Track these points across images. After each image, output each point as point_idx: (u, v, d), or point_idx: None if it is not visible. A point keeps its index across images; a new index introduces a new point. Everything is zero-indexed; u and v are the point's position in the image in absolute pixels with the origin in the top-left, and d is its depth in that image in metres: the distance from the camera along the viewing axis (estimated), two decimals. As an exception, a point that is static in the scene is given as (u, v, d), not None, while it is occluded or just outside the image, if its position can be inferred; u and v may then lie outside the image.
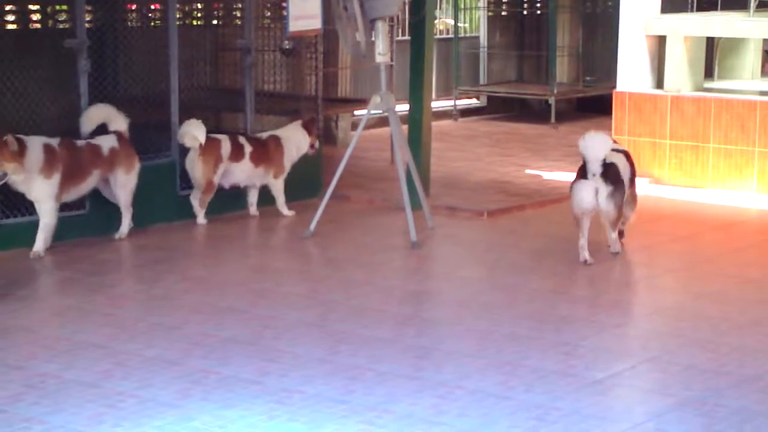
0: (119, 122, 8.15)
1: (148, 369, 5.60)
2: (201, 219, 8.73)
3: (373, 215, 9.25)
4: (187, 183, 8.85)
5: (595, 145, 7.56)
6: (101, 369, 5.59)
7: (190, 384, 5.41)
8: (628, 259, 8.10)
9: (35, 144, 7.57)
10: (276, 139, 9.05)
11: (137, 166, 8.21)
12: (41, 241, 7.67)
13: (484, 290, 7.19)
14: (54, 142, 7.72)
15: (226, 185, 8.88)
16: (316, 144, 9.32)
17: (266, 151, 8.96)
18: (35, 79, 8.25)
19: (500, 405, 5.19)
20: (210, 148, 8.65)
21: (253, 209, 9.07)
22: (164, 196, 8.77)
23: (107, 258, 7.80)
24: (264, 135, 9.14)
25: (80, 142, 7.94)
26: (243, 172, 8.86)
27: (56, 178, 7.65)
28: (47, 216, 7.67)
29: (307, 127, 9.18)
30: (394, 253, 8.07)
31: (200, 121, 8.68)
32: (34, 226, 7.77)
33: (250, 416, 5.04)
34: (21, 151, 7.38)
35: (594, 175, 7.56)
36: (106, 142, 8.06)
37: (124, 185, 8.12)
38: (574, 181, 7.78)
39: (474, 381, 5.48)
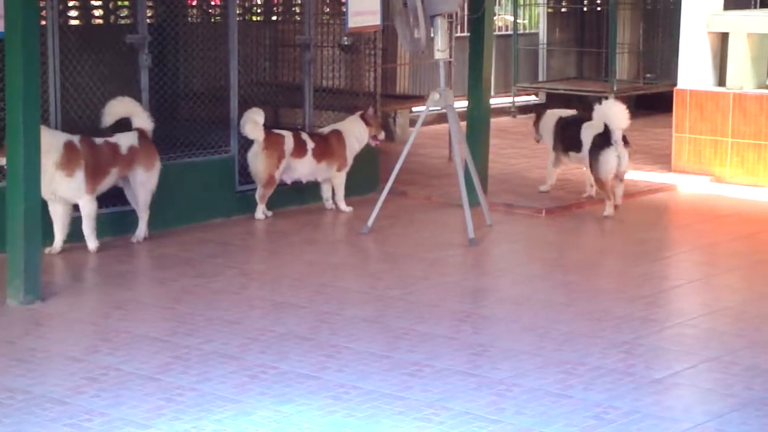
0: (142, 119, 7.99)
1: (207, 363, 5.64)
2: (260, 214, 8.77)
3: (430, 212, 9.24)
4: (245, 178, 8.89)
5: (619, 114, 8.68)
6: (160, 362, 5.64)
7: (248, 378, 5.44)
8: (688, 257, 8.02)
9: (56, 139, 7.50)
10: (337, 133, 9.06)
11: (158, 165, 8.04)
12: (90, 236, 7.68)
13: (542, 288, 7.15)
14: (75, 138, 7.62)
15: (288, 181, 8.91)
16: (381, 135, 9.28)
17: (328, 146, 8.98)
18: (97, 75, 8.33)
19: (558, 403, 5.16)
20: (273, 143, 8.69)
21: (328, 203, 9.11)
22: (223, 192, 8.81)
23: (167, 252, 7.85)
24: (325, 130, 9.16)
25: (98, 140, 7.77)
26: (306, 168, 8.89)
27: (79, 174, 7.57)
28: (87, 208, 7.63)
29: (366, 119, 9.14)
30: (451, 249, 8.05)
31: (260, 109, 8.70)
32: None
33: (307, 411, 5.06)
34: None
35: (616, 141, 8.68)
36: (126, 140, 7.90)
37: (143, 184, 7.97)
38: (598, 148, 8.80)
39: (532, 379, 5.45)
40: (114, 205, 8.13)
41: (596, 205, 9.27)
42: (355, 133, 9.11)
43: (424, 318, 6.42)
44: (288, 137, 8.81)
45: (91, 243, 7.72)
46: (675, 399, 5.35)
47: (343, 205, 9.08)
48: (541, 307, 6.70)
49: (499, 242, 8.38)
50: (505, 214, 9.09)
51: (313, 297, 6.82)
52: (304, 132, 9.10)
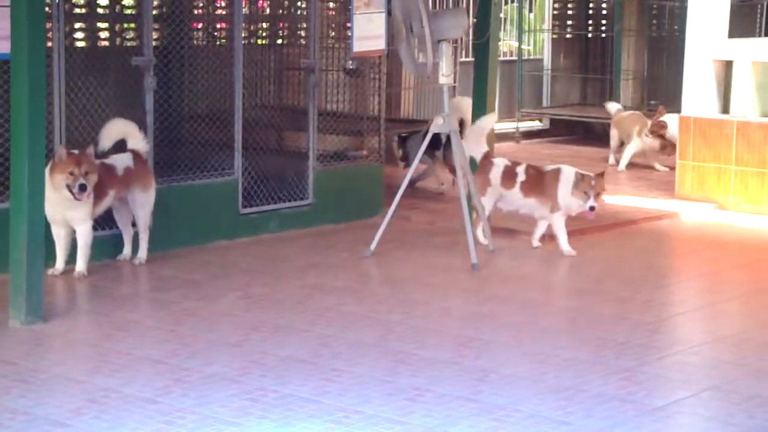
0: (137, 140, 8.01)
1: (208, 386, 5.63)
2: (482, 239, 8.67)
3: (433, 236, 9.24)
4: (248, 201, 8.91)
5: (467, 107, 9.34)
6: (161, 385, 5.63)
7: (249, 402, 5.43)
8: (691, 285, 8.01)
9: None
10: (555, 173, 8.59)
11: (153, 184, 8.06)
12: (83, 260, 7.67)
13: (544, 314, 7.14)
14: None
15: (504, 209, 8.81)
16: (593, 203, 8.39)
17: (539, 183, 8.60)
18: (102, 97, 8.35)
19: (558, 430, 5.15)
20: (481, 168, 8.68)
21: (534, 241, 8.77)
22: (226, 214, 8.83)
23: (169, 274, 7.86)
24: (548, 167, 8.78)
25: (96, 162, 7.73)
26: (514, 200, 8.68)
27: (91, 198, 7.55)
28: (85, 236, 7.61)
29: (574, 181, 8.45)
30: (454, 274, 8.05)
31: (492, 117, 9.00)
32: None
33: (307, 435, 5.05)
34: None
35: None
36: (121, 162, 7.92)
37: (142, 205, 7.98)
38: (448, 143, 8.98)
39: (532, 405, 5.44)
40: (111, 228, 8.15)
41: (598, 233, 9.27)
42: (569, 184, 8.49)
43: (425, 343, 6.42)
44: (497, 166, 8.68)
45: (82, 266, 7.68)
46: (676, 427, 5.34)
47: (565, 247, 8.58)
48: (543, 332, 6.69)
49: (502, 267, 8.38)
50: (508, 239, 9.09)
51: (315, 321, 6.82)
52: (522, 164, 8.86)
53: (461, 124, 9.81)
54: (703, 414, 5.49)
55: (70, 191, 7.38)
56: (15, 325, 6.59)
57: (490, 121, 9.05)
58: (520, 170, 8.70)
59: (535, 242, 8.77)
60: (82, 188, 7.38)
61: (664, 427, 5.28)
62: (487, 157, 8.76)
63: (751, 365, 6.13)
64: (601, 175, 8.49)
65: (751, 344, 6.53)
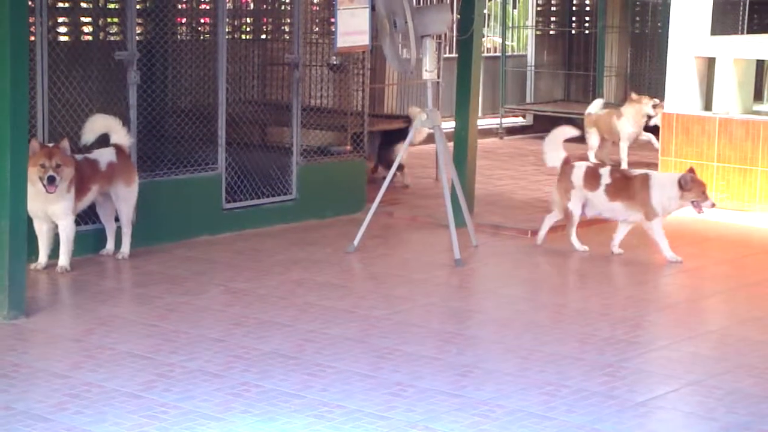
0: (120, 135, 8.00)
1: (190, 381, 5.63)
2: (577, 246, 8.58)
3: (416, 232, 9.25)
4: (231, 196, 8.91)
5: None
6: (144, 380, 5.63)
7: (232, 396, 5.43)
8: (672, 281, 8.04)
9: None
10: (644, 178, 8.45)
11: (136, 179, 8.06)
12: (65, 255, 7.65)
13: (527, 309, 7.16)
14: None
15: (589, 215, 8.67)
16: (707, 203, 8.35)
17: (627, 188, 8.44)
18: (86, 91, 8.33)
19: (541, 425, 5.16)
20: (562, 174, 8.56)
21: (615, 248, 8.55)
22: (209, 209, 8.81)
23: (152, 269, 7.85)
24: (636, 171, 8.68)
25: (78, 157, 7.76)
26: (599, 203, 8.51)
27: (72, 191, 7.56)
28: (68, 230, 7.60)
29: (681, 182, 8.32)
30: (437, 270, 8.06)
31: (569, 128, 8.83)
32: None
33: (290, 430, 5.05)
34: None
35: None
36: (104, 157, 7.91)
37: (125, 199, 7.97)
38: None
39: (515, 400, 5.46)
40: (94, 222, 8.14)
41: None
42: (665, 189, 8.36)
43: (408, 338, 6.43)
44: (578, 168, 8.53)
45: (65, 260, 7.67)
46: (658, 422, 5.36)
47: (668, 254, 8.35)
48: (526, 328, 6.71)
49: (485, 263, 8.40)
50: (491, 235, 9.11)
51: (298, 316, 6.82)
52: (606, 166, 8.83)
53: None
54: (684, 409, 5.52)
55: (42, 184, 7.36)
56: (-3, 319, 6.58)
57: (568, 131, 8.90)
58: (604, 172, 8.53)
59: (616, 249, 8.54)
60: (51, 180, 7.35)
61: (646, 422, 5.31)
62: (567, 162, 8.59)
63: (731, 360, 6.16)
64: (693, 170, 8.44)
65: (732, 340, 6.57)
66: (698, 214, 8.51)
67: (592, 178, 8.50)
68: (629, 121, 12.00)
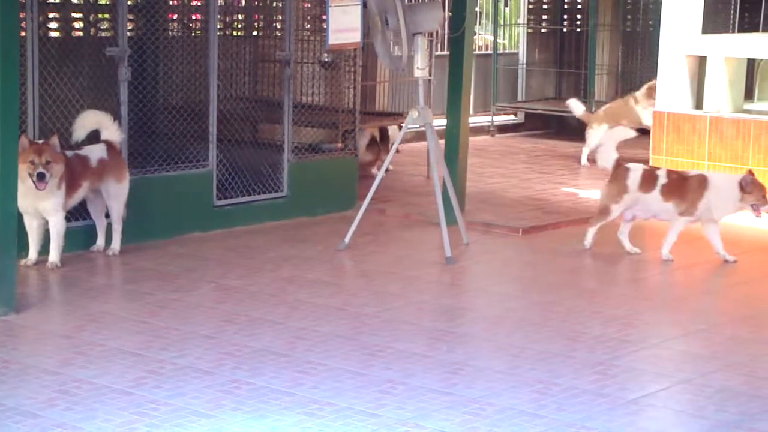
0: (111, 131, 7.98)
1: (181, 378, 5.62)
2: (587, 239, 8.54)
3: (408, 229, 9.25)
4: (223, 193, 8.90)
5: None
6: (134, 376, 5.62)
7: (222, 394, 5.42)
8: (664, 279, 8.05)
9: None
10: (701, 179, 8.39)
11: (127, 176, 8.04)
12: (56, 251, 7.63)
13: (518, 307, 7.17)
14: None
15: (643, 217, 8.60)
16: (764, 208, 8.25)
17: (682, 187, 8.35)
18: (76, 87, 8.32)
19: (531, 423, 5.17)
20: (615, 176, 8.44)
21: (665, 252, 8.39)
22: (200, 206, 8.80)
23: (143, 266, 7.84)
24: (692, 172, 8.67)
25: (69, 153, 7.75)
26: (652, 204, 8.41)
27: (63, 188, 7.55)
28: (58, 226, 7.58)
29: (742, 184, 8.21)
30: (428, 267, 8.06)
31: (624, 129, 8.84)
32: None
33: (280, 428, 5.05)
34: None
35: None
36: (95, 153, 7.90)
37: (116, 196, 7.96)
38: None
39: (505, 398, 5.46)
40: (85, 219, 8.12)
41: (573, 227, 9.31)
42: (723, 190, 8.29)
43: (399, 336, 6.42)
44: (636, 170, 8.44)
45: (55, 256, 7.66)
46: (648, 420, 5.37)
47: (665, 251, 8.37)
48: (517, 326, 6.71)
49: (476, 261, 8.40)
50: (482, 233, 9.11)
51: (288, 313, 6.82)
52: (662, 168, 8.80)
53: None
54: (675, 407, 5.52)
55: (32, 180, 7.34)
56: (-13, 316, 6.57)
57: (622, 133, 8.90)
58: (661, 174, 8.46)
59: (666, 253, 8.40)
60: (40, 177, 7.34)
61: (637, 420, 5.31)
62: (620, 164, 8.48)
63: (721, 359, 6.17)
64: (752, 173, 8.34)
65: (722, 338, 6.58)
66: (756, 218, 8.42)
67: (648, 180, 8.40)
68: (648, 110, 11.94)
